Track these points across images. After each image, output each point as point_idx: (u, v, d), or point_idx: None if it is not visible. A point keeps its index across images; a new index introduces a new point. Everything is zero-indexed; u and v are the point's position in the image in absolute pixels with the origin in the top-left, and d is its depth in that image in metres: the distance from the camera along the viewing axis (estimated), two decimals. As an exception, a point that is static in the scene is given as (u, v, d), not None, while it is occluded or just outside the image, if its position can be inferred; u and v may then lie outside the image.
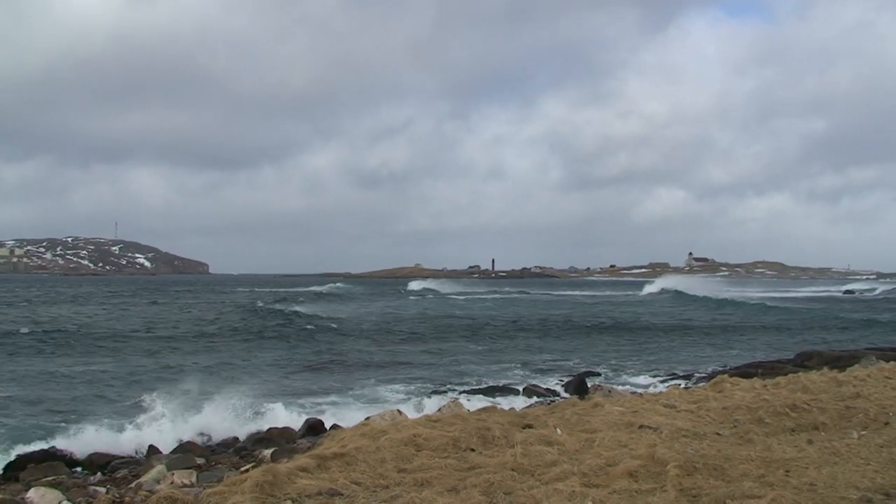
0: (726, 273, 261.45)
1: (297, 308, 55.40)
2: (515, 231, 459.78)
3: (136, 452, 13.59)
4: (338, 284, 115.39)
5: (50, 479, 11.06)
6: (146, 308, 58.27)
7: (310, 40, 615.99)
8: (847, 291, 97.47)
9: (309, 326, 40.12)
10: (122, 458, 13.08)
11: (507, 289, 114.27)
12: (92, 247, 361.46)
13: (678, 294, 78.33)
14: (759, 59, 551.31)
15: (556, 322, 45.16)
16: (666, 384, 20.24)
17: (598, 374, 22.73)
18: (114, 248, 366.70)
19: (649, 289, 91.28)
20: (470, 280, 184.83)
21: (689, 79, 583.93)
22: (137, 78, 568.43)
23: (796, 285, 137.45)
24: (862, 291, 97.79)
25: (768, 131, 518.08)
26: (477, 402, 16.17)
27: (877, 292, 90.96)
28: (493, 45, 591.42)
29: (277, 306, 57.49)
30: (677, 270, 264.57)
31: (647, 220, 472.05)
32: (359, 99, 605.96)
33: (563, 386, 21.03)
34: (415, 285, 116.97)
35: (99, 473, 12.14)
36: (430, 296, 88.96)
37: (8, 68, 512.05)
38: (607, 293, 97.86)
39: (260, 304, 61.08)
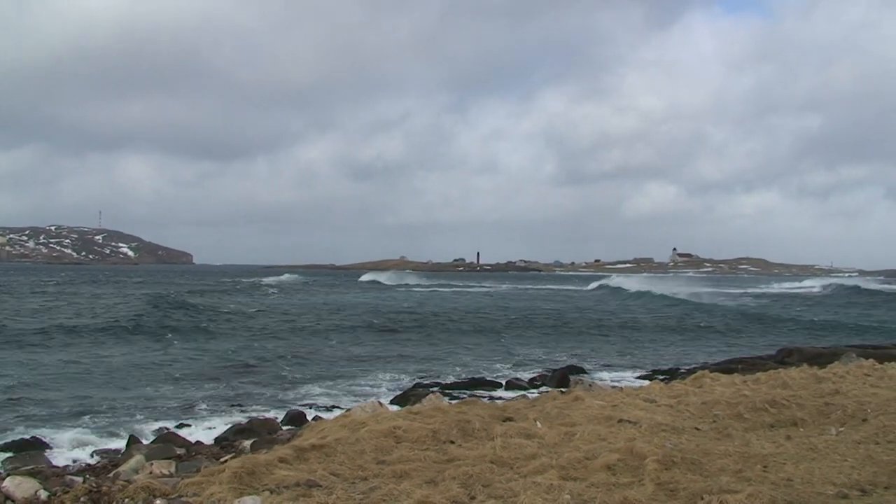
0: (710, 269, 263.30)
1: (212, 301, 54.07)
2: (505, 225, 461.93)
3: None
4: (286, 276, 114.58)
5: (28, 468, 10.98)
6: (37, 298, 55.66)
7: (312, 33, 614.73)
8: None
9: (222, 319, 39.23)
10: (102, 448, 13.04)
11: (454, 282, 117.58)
12: (75, 235, 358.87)
13: (614, 290, 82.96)
14: (757, 57, 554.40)
15: (479, 316, 45.39)
16: (648, 380, 20.31)
17: (584, 371, 22.67)
18: (97, 238, 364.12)
19: (592, 285, 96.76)
20: (430, 273, 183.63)
21: (687, 75, 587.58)
22: (136, 68, 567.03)
23: (761, 283, 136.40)
24: (808, 288, 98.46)
25: (763, 128, 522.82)
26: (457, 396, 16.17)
27: (815, 290, 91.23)
28: (495, 39, 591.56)
29: (189, 299, 54.29)
30: (661, 266, 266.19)
31: (637, 215, 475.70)
32: (358, 91, 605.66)
33: (540, 378, 21.09)
34: (365, 277, 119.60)
35: (78, 463, 12.07)
36: (374, 290, 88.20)
37: (6, 57, 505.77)
38: (563, 287, 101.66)
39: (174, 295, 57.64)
